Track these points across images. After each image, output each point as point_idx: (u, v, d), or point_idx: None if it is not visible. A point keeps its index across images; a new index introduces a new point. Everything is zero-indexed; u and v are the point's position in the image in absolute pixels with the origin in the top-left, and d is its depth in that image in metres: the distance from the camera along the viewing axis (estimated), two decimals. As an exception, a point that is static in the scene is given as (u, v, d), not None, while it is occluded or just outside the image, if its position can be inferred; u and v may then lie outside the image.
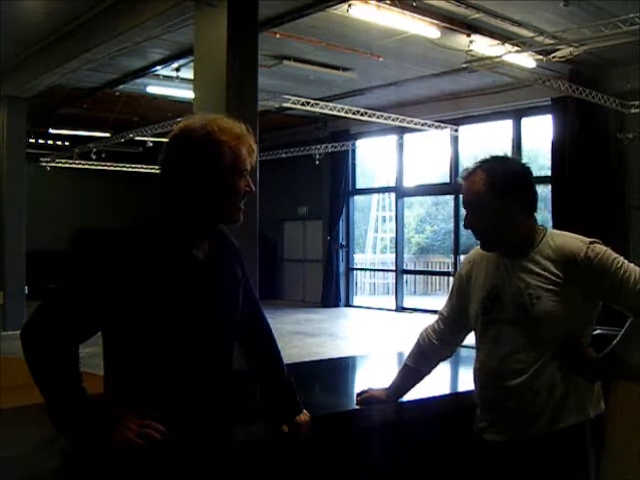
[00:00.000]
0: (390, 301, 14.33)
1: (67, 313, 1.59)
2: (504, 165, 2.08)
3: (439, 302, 2.37)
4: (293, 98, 10.47)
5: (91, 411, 1.58)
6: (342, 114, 11.20)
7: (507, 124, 11.94)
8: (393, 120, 11.77)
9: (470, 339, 2.23)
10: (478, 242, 2.18)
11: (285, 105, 10.88)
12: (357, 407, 2.25)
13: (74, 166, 15.15)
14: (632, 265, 1.95)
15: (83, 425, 1.57)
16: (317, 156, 13.80)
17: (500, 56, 8.07)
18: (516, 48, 7.96)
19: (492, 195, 2.00)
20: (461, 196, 2.11)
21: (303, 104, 10.68)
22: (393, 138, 13.84)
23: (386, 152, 15.34)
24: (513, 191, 2.02)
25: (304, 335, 10.54)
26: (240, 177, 1.70)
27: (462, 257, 12.45)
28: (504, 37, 8.10)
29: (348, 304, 14.80)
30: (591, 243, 1.98)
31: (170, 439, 1.59)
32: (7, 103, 10.30)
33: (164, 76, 10.14)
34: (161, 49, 9.05)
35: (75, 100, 11.73)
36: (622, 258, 1.96)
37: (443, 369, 2.61)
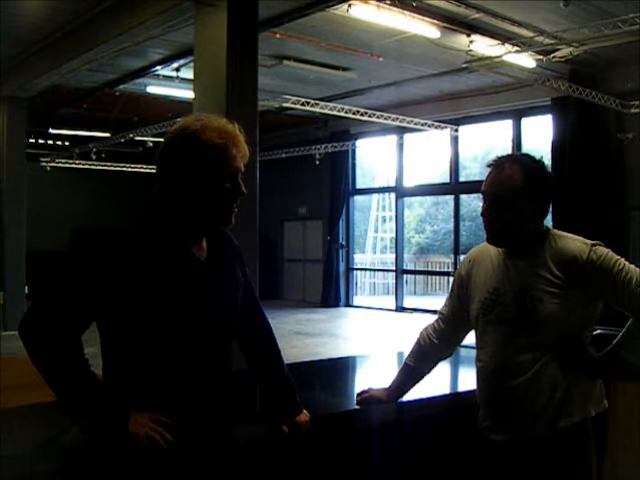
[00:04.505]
0: (390, 301, 14.33)
1: (63, 305, 1.59)
2: (540, 167, 2.05)
3: (439, 302, 2.37)
4: (293, 98, 10.48)
5: (106, 395, 1.59)
6: (342, 114, 11.20)
7: (507, 124, 11.94)
8: (393, 120, 11.78)
9: (470, 339, 2.23)
10: (477, 243, 2.18)
11: (285, 105, 10.88)
12: (357, 407, 2.25)
13: (74, 166, 15.15)
14: (633, 266, 1.95)
15: (99, 409, 1.57)
16: (317, 156, 13.81)
17: (500, 56, 8.07)
18: (516, 48, 7.96)
19: (526, 195, 1.98)
20: (484, 183, 2.05)
21: (303, 104, 10.69)
22: (393, 138, 13.85)
23: (386, 152, 15.36)
24: (544, 196, 2.02)
25: (304, 335, 10.54)
26: (230, 178, 1.67)
27: (462, 257, 12.37)
28: (504, 37, 8.10)
29: (348, 304, 14.80)
30: (593, 245, 1.98)
31: (172, 444, 1.60)
32: (7, 103, 10.30)
33: (164, 76, 10.14)
34: (161, 49, 9.05)
35: (75, 100, 11.73)
36: (623, 260, 1.96)
37: (443, 369, 2.61)
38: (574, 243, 2.00)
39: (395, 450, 2.32)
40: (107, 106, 11.98)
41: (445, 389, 2.74)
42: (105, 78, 10.60)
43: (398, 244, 14.35)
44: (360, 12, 7.07)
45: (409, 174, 14.42)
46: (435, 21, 7.61)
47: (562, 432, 1.97)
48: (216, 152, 1.64)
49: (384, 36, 8.21)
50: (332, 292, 14.58)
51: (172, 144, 1.67)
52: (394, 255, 14.63)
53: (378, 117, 11.48)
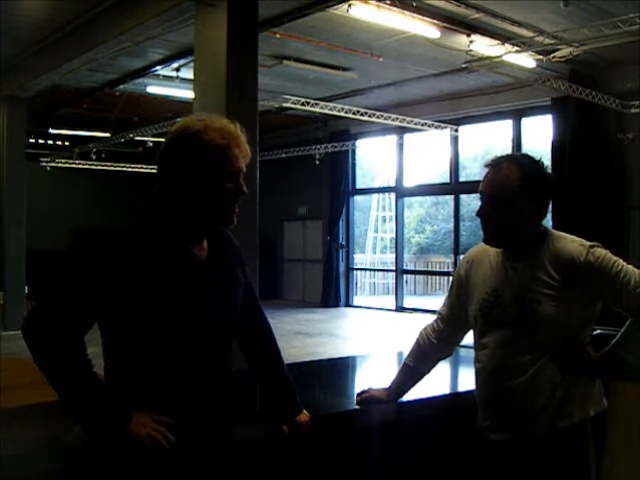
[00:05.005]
0: (390, 301, 14.33)
1: (65, 305, 1.59)
2: (538, 167, 2.04)
3: (439, 302, 2.37)
4: (293, 98, 10.48)
5: (108, 395, 1.60)
6: (342, 114, 11.21)
7: (507, 124, 11.94)
8: (393, 120, 11.78)
9: (470, 339, 2.23)
10: (477, 243, 2.17)
11: (285, 105, 10.88)
12: (357, 407, 2.25)
13: (74, 166, 15.15)
14: (631, 267, 1.95)
15: (101, 408, 1.57)
16: (317, 156, 13.81)
17: (500, 56, 8.07)
18: (516, 48, 7.96)
19: (524, 195, 1.97)
20: (482, 183, 2.04)
21: (303, 104, 10.69)
22: (393, 138, 13.84)
23: (386, 152, 15.35)
24: (542, 197, 2.02)
25: (304, 335, 10.54)
26: (232, 178, 1.67)
27: (461, 257, 12.35)
28: (504, 37, 8.10)
29: (348, 304, 14.80)
30: (591, 247, 1.97)
31: (174, 444, 1.60)
32: (7, 103, 10.30)
33: (164, 76, 10.14)
34: (161, 49, 9.05)
35: (75, 100, 11.73)
36: (621, 261, 1.96)
37: (443, 369, 2.61)
38: (572, 245, 1.99)
39: (395, 450, 2.32)
40: (107, 106, 11.98)
41: (445, 389, 2.74)
42: (105, 78, 10.60)
43: (398, 244, 14.35)
44: (360, 12, 7.07)
45: (409, 174, 14.42)
46: (435, 21, 7.61)
47: (561, 432, 1.97)
48: (218, 152, 1.64)
49: (384, 36, 8.21)
50: (332, 292, 14.57)
51: (173, 144, 1.67)
52: (394, 255, 14.63)
53: (378, 117, 11.48)
